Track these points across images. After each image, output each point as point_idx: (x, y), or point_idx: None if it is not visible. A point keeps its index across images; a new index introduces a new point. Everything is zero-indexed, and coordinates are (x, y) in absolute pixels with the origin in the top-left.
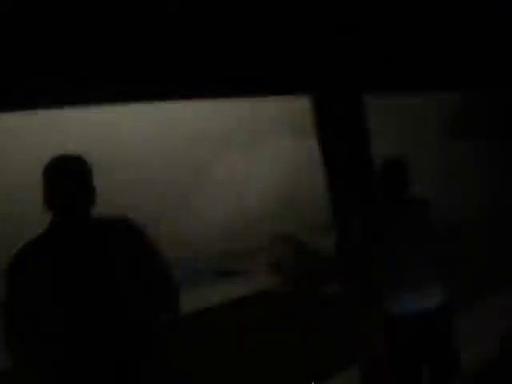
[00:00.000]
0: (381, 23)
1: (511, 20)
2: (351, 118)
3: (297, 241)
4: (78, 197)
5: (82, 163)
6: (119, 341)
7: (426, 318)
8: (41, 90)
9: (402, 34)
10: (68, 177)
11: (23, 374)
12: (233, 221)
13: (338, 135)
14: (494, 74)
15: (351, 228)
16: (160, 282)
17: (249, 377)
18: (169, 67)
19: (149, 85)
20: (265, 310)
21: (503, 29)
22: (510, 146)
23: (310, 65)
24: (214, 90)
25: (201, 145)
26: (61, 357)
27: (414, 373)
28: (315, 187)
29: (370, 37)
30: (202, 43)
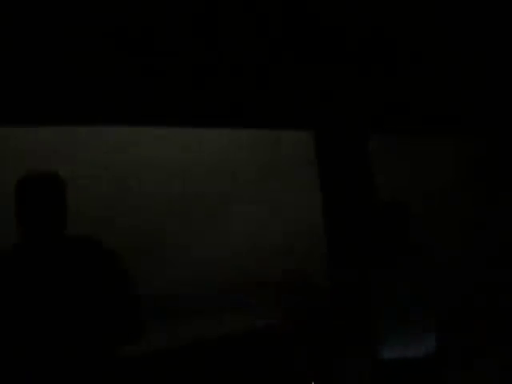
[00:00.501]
0: (389, 63)
1: None
2: (355, 156)
3: (307, 277)
4: (51, 215)
5: (58, 181)
6: (77, 365)
7: (416, 368)
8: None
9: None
10: (42, 194)
11: None
12: (244, 254)
13: (341, 173)
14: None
15: (349, 268)
16: (125, 308)
17: None
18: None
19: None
20: (266, 345)
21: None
22: None
23: (316, 100)
24: (223, 120)
25: (220, 177)
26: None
27: None
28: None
29: (378, 76)
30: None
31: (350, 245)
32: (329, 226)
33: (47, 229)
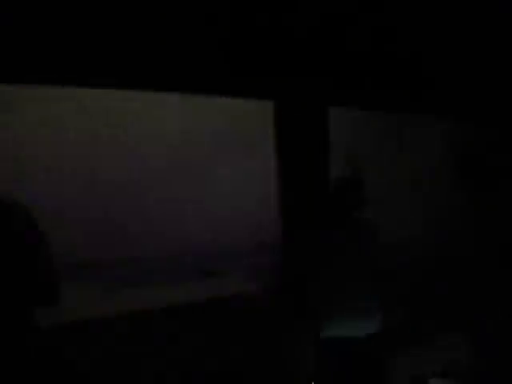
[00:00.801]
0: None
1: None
2: (312, 129)
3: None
4: None
5: None
6: None
7: (359, 346)
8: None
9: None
10: None
11: None
12: (219, 222)
13: (297, 146)
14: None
15: (297, 244)
16: (41, 270)
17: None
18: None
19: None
20: (238, 313)
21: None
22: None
23: (276, 70)
24: (185, 87)
25: (191, 144)
26: None
27: None
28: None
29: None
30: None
31: (302, 217)
32: (283, 196)
33: None
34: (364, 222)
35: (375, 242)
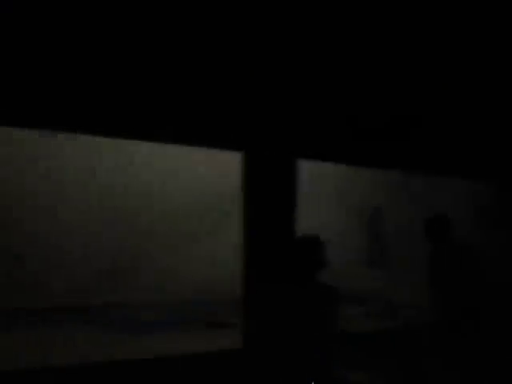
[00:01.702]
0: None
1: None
2: (280, 183)
3: None
4: None
5: None
6: None
7: None
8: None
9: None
10: None
11: None
12: (223, 273)
13: (265, 200)
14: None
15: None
16: None
17: None
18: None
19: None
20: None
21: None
22: None
23: (244, 120)
24: (153, 136)
25: (200, 201)
26: None
27: None
28: None
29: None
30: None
31: (265, 274)
32: (247, 253)
33: None
34: (324, 286)
35: (333, 307)
